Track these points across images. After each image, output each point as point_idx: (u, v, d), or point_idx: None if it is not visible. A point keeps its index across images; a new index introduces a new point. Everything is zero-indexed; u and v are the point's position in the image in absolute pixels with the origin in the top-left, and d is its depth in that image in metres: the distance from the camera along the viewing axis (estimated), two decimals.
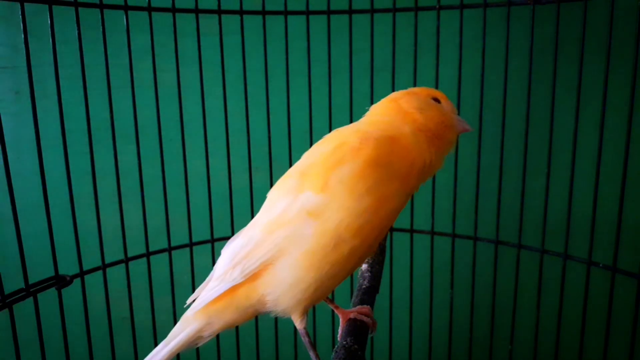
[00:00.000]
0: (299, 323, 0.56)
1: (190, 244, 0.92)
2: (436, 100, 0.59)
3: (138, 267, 0.87)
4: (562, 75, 0.85)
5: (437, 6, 0.88)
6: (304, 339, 0.58)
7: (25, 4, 0.68)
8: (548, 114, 0.85)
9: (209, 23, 0.88)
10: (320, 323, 1.02)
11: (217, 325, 0.58)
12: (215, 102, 0.91)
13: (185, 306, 0.61)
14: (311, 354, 0.58)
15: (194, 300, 0.60)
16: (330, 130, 0.64)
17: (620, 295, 0.81)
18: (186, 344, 0.59)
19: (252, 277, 0.55)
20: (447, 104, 0.59)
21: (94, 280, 0.82)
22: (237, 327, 0.96)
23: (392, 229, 0.99)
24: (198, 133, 0.90)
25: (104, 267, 0.83)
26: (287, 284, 0.53)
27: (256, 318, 0.96)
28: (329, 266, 0.51)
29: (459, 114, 0.62)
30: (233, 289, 0.56)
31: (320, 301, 0.58)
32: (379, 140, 0.52)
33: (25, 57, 0.67)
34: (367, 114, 0.61)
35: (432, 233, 0.97)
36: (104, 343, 0.84)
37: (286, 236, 0.52)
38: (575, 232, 0.89)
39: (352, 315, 0.62)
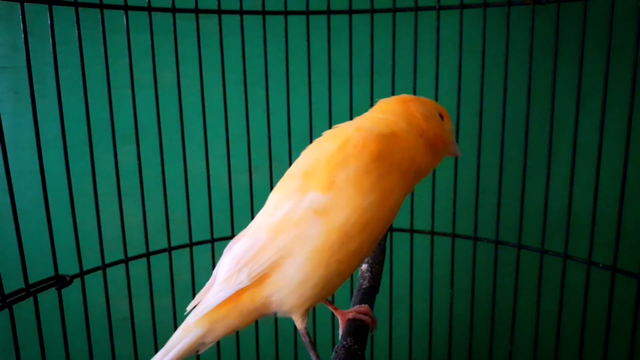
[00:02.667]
0: (300, 323, 0.56)
1: (190, 244, 0.92)
2: (440, 116, 0.60)
3: (138, 267, 0.87)
4: (562, 75, 0.85)
5: (437, 6, 0.88)
6: (305, 339, 0.58)
7: (25, 4, 0.68)
8: (548, 114, 0.85)
9: (209, 23, 0.88)
10: (320, 323, 1.02)
11: (220, 331, 0.58)
12: (215, 102, 0.91)
13: (185, 313, 0.60)
14: (311, 354, 0.58)
15: (194, 306, 0.59)
16: None
17: (620, 295, 0.81)
18: (188, 351, 0.58)
19: (259, 279, 0.54)
20: (448, 123, 0.61)
21: (94, 280, 0.82)
22: None
23: (392, 229, 0.99)
24: (198, 133, 0.90)
25: (104, 267, 0.83)
26: (295, 283, 0.53)
27: None
28: (336, 263, 0.52)
29: (457, 134, 0.62)
30: (237, 293, 0.55)
31: (324, 299, 0.58)
32: (381, 135, 0.53)
33: (25, 57, 0.67)
34: (374, 108, 0.61)
35: (432, 233, 0.97)
36: (104, 343, 0.84)
37: (294, 237, 0.52)
38: (575, 232, 0.89)
39: (350, 316, 0.61)
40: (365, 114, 0.60)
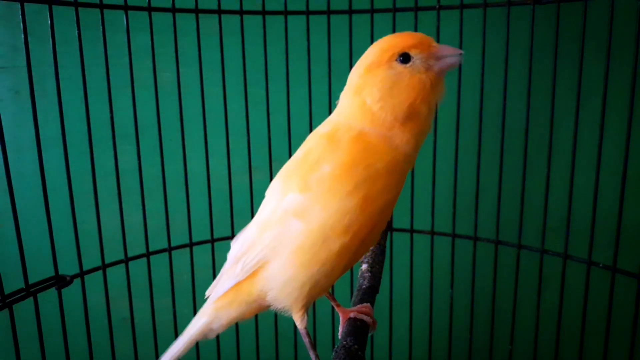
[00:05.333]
0: (299, 322, 0.57)
1: (190, 244, 0.92)
2: (406, 56, 0.51)
3: (138, 267, 0.87)
4: (562, 75, 0.85)
5: (437, 6, 0.88)
6: (305, 339, 0.58)
7: (25, 4, 0.68)
8: (548, 114, 0.85)
9: (209, 23, 0.88)
10: (320, 323, 1.02)
11: (225, 319, 0.60)
12: (215, 102, 0.91)
13: (205, 297, 0.62)
14: (311, 354, 0.58)
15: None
16: None
17: (620, 295, 0.81)
18: (199, 336, 0.62)
19: (253, 274, 0.56)
20: (421, 50, 0.51)
21: (94, 280, 0.82)
22: (237, 327, 0.96)
23: (392, 229, 0.99)
24: (198, 133, 0.90)
25: (104, 267, 0.83)
26: (282, 283, 0.54)
27: (256, 318, 0.96)
28: (319, 264, 0.52)
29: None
30: (238, 285, 0.57)
31: (319, 297, 0.59)
32: (352, 140, 0.51)
33: (25, 57, 0.67)
34: (338, 107, 0.58)
35: (432, 233, 0.97)
36: (104, 343, 0.84)
37: (275, 236, 0.53)
38: (575, 232, 0.88)
39: (351, 315, 0.62)
40: (337, 111, 0.57)
